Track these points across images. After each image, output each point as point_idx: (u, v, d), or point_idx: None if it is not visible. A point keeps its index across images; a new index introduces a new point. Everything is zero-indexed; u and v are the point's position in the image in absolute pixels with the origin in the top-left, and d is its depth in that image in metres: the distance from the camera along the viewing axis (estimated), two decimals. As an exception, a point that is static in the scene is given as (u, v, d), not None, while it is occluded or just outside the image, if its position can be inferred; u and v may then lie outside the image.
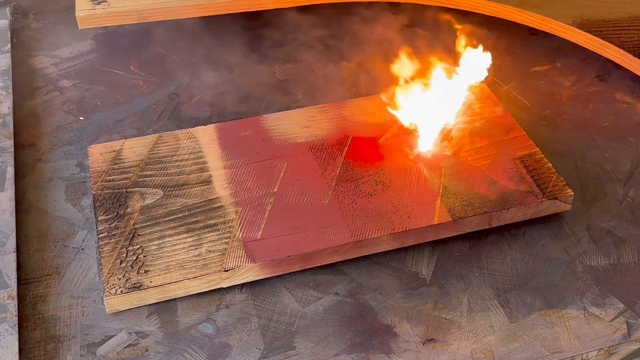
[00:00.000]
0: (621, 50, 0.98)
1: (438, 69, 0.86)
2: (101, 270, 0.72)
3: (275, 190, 0.80)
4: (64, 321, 0.71)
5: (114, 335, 0.70)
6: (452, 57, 0.89)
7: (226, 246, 0.74)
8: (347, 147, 0.85)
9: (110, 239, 0.75)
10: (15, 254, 0.75)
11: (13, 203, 0.80)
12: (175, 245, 0.74)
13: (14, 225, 0.77)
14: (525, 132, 0.87)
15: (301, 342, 0.70)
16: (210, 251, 0.73)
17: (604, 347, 0.69)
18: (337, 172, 0.82)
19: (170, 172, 0.82)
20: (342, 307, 0.73)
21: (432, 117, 0.85)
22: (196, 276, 0.71)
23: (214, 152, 0.84)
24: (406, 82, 0.88)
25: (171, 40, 1.08)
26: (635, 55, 0.97)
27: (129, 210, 0.78)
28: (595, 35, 1.00)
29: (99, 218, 0.77)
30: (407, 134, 0.86)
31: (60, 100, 0.97)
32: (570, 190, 0.79)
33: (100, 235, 0.75)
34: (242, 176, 0.82)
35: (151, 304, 0.72)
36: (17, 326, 0.68)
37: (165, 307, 0.72)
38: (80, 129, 0.92)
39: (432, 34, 1.06)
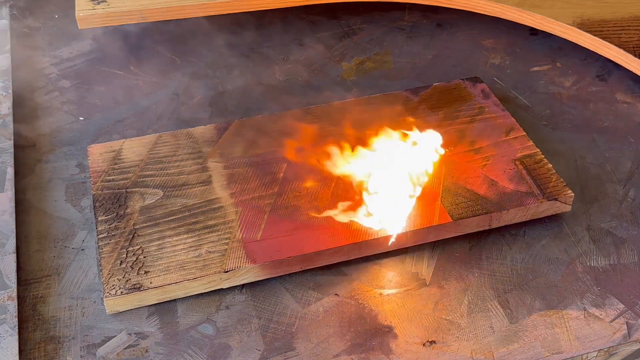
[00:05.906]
0: (621, 50, 0.98)
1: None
2: (101, 271, 0.72)
3: (275, 190, 0.80)
4: (64, 322, 0.71)
5: (114, 336, 0.70)
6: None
7: (226, 247, 0.74)
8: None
9: (110, 240, 0.75)
10: (15, 254, 0.75)
11: (13, 204, 0.80)
12: (175, 246, 0.74)
13: (13, 226, 0.77)
14: (525, 133, 0.87)
15: (301, 343, 0.70)
16: (210, 252, 0.73)
17: (603, 348, 0.69)
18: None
19: (170, 172, 0.82)
20: (342, 308, 0.73)
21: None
22: (196, 277, 0.71)
23: (214, 153, 0.84)
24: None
25: (171, 40, 1.08)
26: (635, 55, 0.97)
27: (128, 210, 0.77)
28: (595, 35, 1.00)
29: (99, 218, 0.77)
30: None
31: (60, 100, 0.97)
32: (570, 191, 0.79)
33: (100, 236, 0.75)
34: (242, 176, 0.82)
35: (151, 305, 0.72)
36: (17, 327, 0.68)
37: (165, 308, 0.72)
38: (80, 129, 0.92)
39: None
